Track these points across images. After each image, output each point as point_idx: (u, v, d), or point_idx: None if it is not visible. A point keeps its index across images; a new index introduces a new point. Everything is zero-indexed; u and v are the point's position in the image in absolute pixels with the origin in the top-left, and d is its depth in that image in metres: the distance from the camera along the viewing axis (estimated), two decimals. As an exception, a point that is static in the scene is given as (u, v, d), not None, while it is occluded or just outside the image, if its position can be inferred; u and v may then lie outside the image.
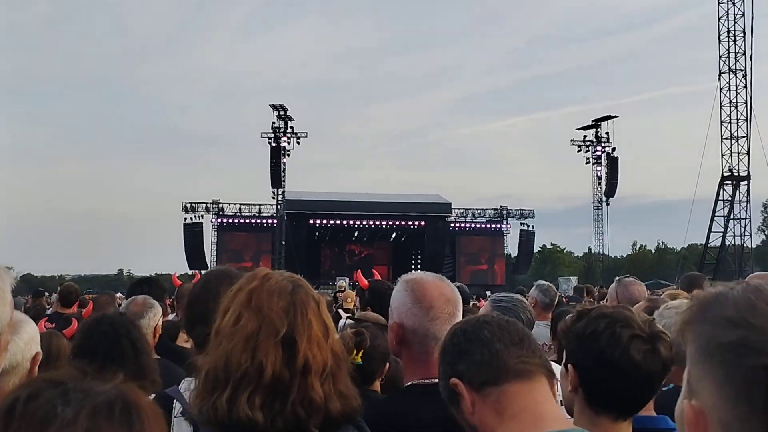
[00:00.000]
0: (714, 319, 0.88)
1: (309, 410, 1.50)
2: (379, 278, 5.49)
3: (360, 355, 2.76)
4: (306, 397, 1.50)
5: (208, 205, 41.97)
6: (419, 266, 45.70)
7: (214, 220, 42.09)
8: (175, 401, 2.08)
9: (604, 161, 41.04)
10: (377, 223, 42.66)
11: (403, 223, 43.00)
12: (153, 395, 2.11)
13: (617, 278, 4.38)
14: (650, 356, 1.74)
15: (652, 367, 1.74)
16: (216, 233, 42.18)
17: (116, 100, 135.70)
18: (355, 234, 44.01)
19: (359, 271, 5.63)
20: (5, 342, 1.49)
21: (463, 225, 44.21)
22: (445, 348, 1.61)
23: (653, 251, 72.01)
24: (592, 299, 7.66)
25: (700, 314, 0.91)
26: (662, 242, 72.97)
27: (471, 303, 8.10)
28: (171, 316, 5.58)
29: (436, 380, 1.77)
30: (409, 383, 1.96)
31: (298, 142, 38.29)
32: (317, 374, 1.52)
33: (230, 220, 42.28)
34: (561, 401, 1.85)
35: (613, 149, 40.65)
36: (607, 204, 41.92)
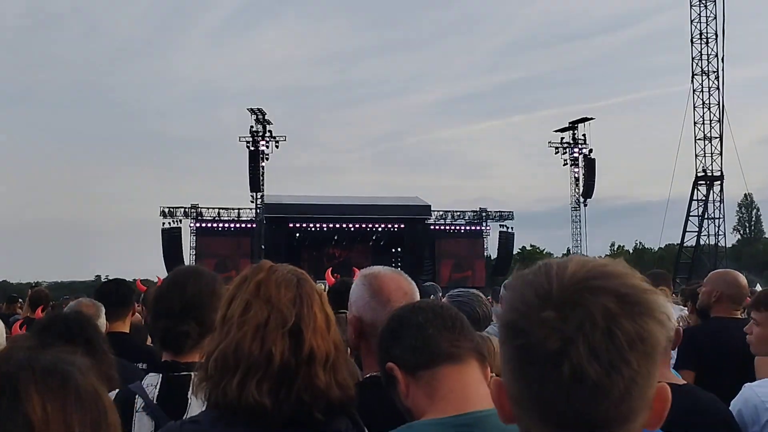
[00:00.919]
0: (503, 301, 0.95)
1: (313, 397, 1.58)
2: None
3: None
4: (310, 384, 1.58)
5: (187, 210, 41.70)
6: (399, 268, 45.40)
7: (192, 224, 41.83)
8: (137, 396, 2.10)
9: (581, 163, 41.35)
10: (357, 226, 42.64)
11: (382, 225, 43.01)
12: (116, 391, 2.13)
13: None
14: None
15: None
16: (195, 238, 41.91)
17: (91, 105, 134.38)
18: (335, 237, 43.96)
19: (329, 270, 5.64)
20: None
21: (442, 227, 44.32)
22: (382, 334, 1.67)
23: (631, 251, 72.62)
24: None
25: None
26: (639, 242, 73.73)
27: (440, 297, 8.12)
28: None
29: None
30: (367, 375, 2.01)
31: (277, 146, 38.25)
32: (321, 363, 1.59)
33: (209, 225, 42.02)
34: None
35: (590, 151, 41.01)
36: (585, 205, 42.26)
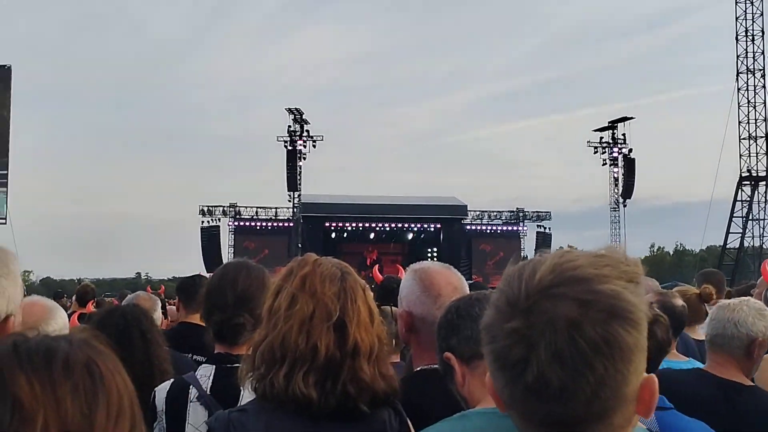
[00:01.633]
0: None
1: (358, 389, 1.61)
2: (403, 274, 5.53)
3: None
4: (355, 377, 1.61)
5: (225, 209, 42.21)
6: (435, 269, 45.52)
7: (231, 223, 42.32)
8: (191, 387, 2.15)
9: (620, 163, 40.75)
10: (393, 225, 42.70)
11: (419, 225, 42.99)
12: (170, 381, 2.18)
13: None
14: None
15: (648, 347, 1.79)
16: (233, 236, 42.40)
17: (133, 104, 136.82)
18: (371, 236, 44.07)
19: (376, 267, 5.68)
20: (18, 322, 1.58)
21: (479, 227, 44.14)
22: (440, 324, 1.69)
23: (671, 253, 71.41)
24: None
25: None
26: (680, 244, 72.37)
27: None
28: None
29: None
30: (418, 368, 2.03)
31: (314, 146, 38.43)
32: (365, 356, 1.63)
33: (247, 223, 42.48)
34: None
35: (630, 150, 40.39)
36: (624, 206, 41.60)
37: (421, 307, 2.00)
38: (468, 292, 2.10)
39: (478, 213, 44.46)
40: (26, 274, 58.23)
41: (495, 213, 45.02)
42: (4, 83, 26.48)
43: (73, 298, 9.80)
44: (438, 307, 1.99)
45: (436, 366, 1.93)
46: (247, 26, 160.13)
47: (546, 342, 0.86)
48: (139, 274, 74.87)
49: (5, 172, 26.30)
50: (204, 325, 3.96)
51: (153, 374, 2.68)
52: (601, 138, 41.19)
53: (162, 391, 2.15)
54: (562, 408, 0.87)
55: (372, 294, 1.77)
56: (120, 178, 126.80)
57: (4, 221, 26.51)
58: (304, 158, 38.25)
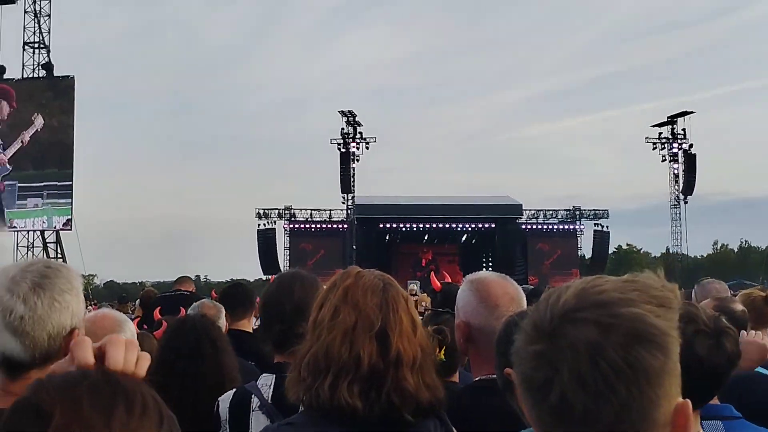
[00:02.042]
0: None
1: (402, 399, 1.61)
2: (450, 280, 5.56)
3: (442, 352, 2.83)
4: (399, 387, 1.61)
5: (281, 211, 42.76)
6: (490, 269, 45.31)
7: (286, 225, 42.87)
8: (253, 396, 2.19)
9: (681, 158, 39.74)
10: (447, 226, 42.58)
11: (472, 225, 42.77)
12: (233, 390, 2.23)
13: (699, 281, 4.39)
14: (715, 351, 1.75)
15: (716, 361, 1.75)
16: (288, 239, 42.96)
17: (190, 111, 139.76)
18: (425, 237, 44.05)
19: (433, 273, 5.72)
20: (82, 336, 1.64)
21: (534, 226, 43.61)
22: (499, 339, 1.68)
23: (736, 250, 69.28)
24: None
25: None
26: (745, 241, 70.16)
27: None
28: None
29: None
30: (477, 378, 2.03)
31: (367, 147, 38.60)
32: (408, 366, 1.63)
33: (302, 226, 42.98)
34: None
35: (691, 146, 39.35)
36: (685, 202, 40.58)
37: (479, 318, 2.01)
38: (525, 301, 2.09)
39: (533, 212, 43.93)
40: (90, 278, 60.10)
41: (550, 212, 44.41)
42: (67, 94, 27.38)
43: (137, 302, 10.09)
44: (496, 317, 1.99)
45: (494, 376, 1.93)
46: (298, 31, 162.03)
47: (568, 366, 0.87)
48: (198, 276, 76.41)
49: (70, 182, 27.16)
50: (250, 332, 4.07)
51: (223, 383, 2.74)
52: (660, 134, 40.26)
53: (225, 401, 2.20)
54: (586, 431, 0.87)
55: (414, 304, 1.78)
56: (179, 183, 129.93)
57: (69, 228, 27.41)
58: (358, 160, 38.46)
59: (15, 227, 27.92)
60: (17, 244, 29.06)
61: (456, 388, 2.23)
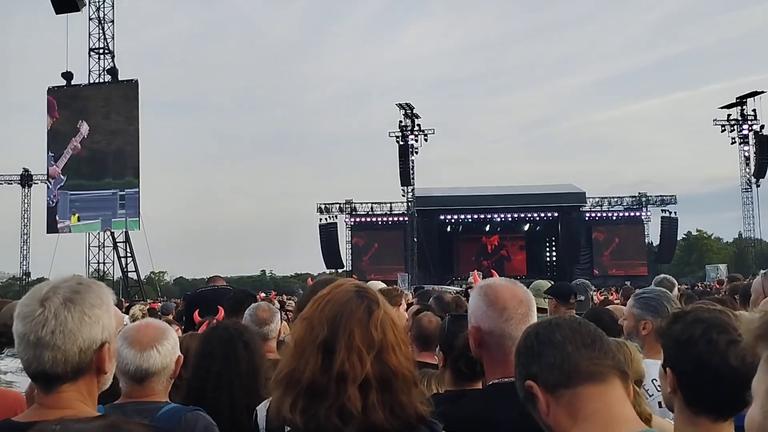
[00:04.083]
0: None
1: (342, 419, 1.50)
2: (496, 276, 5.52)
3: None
4: (341, 405, 1.51)
5: (341, 206, 43.22)
6: (554, 258, 44.78)
7: (347, 219, 43.29)
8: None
9: (751, 140, 38.25)
10: (509, 216, 42.20)
11: (535, 214, 42.26)
12: (270, 399, 2.29)
13: (762, 271, 4.13)
14: (749, 361, 1.70)
15: (751, 372, 1.69)
16: (350, 232, 43.35)
17: (252, 108, 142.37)
18: (487, 227, 43.75)
19: (475, 272, 5.72)
20: (114, 349, 1.70)
21: (599, 214, 42.81)
22: (519, 350, 1.65)
23: (814, 234, 66.29)
24: (722, 291, 7.11)
25: None
26: (824, 224, 66.99)
27: (593, 295, 7.83)
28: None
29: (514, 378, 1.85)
30: (490, 383, 2.02)
31: (426, 139, 38.55)
32: (354, 383, 1.52)
33: (363, 219, 43.31)
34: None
35: (762, 127, 37.82)
36: (758, 185, 39.03)
37: (488, 322, 2.00)
38: (534, 304, 2.08)
39: (597, 199, 43.13)
40: (161, 274, 62.01)
41: (615, 199, 43.48)
42: (132, 97, 28.18)
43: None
44: (504, 320, 1.98)
45: (507, 380, 1.91)
46: (356, 25, 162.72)
47: None
48: (263, 271, 77.87)
49: (137, 189, 27.80)
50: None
51: (257, 384, 2.82)
52: (729, 115, 38.84)
53: (263, 409, 2.25)
54: None
55: (387, 321, 1.62)
56: (243, 179, 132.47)
57: (137, 228, 28.22)
58: (416, 152, 38.46)
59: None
60: (89, 244, 30.21)
61: (474, 395, 2.22)
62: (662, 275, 6.26)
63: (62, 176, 28.34)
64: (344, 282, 1.72)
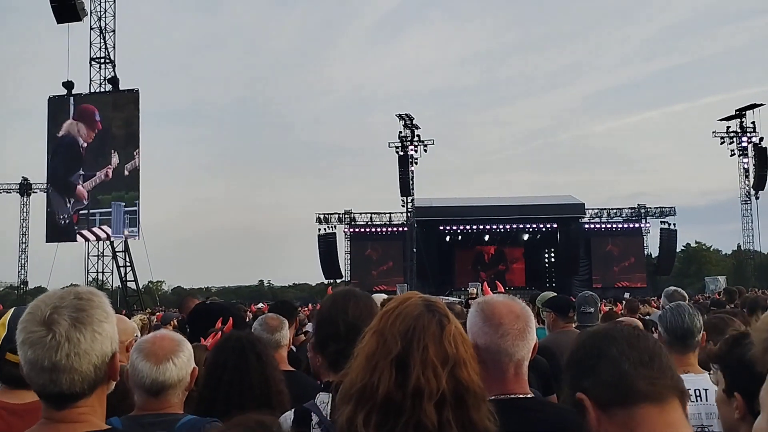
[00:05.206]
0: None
1: None
2: (503, 290, 5.50)
3: None
4: (417, 421, 1.49)
5: (341, 216, 43.21)
6: (553, 269, 44.81)
7: (346, 230, 43.27)
8: (313, 414, 2.20)
9: (750, 152, 38.40)
10: (508, 227, 42.21)
11: (534, 225, 42.28)
12: (292, 410, 2.25)
13: None
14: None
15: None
16: (349, 243, 43.31)
17: (252, 118, 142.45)
18: (487, 238, 43.76)
19: (486, 282, 5.68)
20: (118, 360, 1.68)
21: (598, 225, 42.85)
22: (570, 361, 1.58)
23: (812, 247, 66.33)
24: (733, 305, 7.03)
25: None
26: (823, 237, 67.00)
27: (599, 306, 7.79)
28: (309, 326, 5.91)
29: (512, 396, 1.88)
30: (490, 398, 2.00)
31: (426, 150, 38.62)
32: (431, 399, 1.50)
33: (362, 230, 43.29)
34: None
35: (761, 139, 37.97)
36: (757, 198, 39.18)
37: (485, 338, 1.97)
38: (533, 318, 2.06)
39: (596, 211, 43.19)
40: (159, 284, 61.81)
41: (614, 210, 43.57)
42: (133, 107, 28.21)
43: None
44: (500, 335, 1.95)
45: (504, 397, 1.91)
46: (355, 36, 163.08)
47: None
48: (261, 281, 77.63)
49: (137, 201, 27.80)
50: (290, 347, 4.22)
51: (270, 394, 2.79)
52: (728, 127, 39.01)
53: (286, 420, 2.22)
54: None
55: (456, 335, 1.61)
56: (241, 189, 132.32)
57: (136, 236, 28.20)
58: (416, 163, 38.51)
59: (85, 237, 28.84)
60: (88, 253, 30.16)
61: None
62: (672, 288, 6.20)
63: (85, 201, 28.44)
64: (411, 295, 1.70)
